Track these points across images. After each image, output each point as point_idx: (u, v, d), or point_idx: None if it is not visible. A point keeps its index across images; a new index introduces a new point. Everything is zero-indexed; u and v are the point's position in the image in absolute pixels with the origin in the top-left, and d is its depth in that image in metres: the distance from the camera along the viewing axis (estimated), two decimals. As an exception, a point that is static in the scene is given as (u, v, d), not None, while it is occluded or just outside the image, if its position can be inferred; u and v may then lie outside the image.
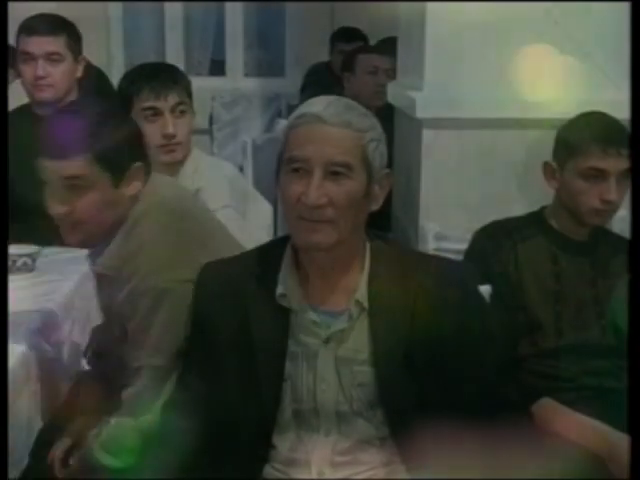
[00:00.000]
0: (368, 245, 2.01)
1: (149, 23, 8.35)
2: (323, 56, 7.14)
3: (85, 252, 3.13)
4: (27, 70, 3.52)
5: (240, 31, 8.28)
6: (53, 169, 2.17)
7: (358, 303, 1.95)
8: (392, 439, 1.97)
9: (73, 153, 2.15)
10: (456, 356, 1.96)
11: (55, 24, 3.57)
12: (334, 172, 1.86)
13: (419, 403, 1.95)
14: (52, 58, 3.52)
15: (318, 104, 1.92)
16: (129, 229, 2.24)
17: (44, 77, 3.50)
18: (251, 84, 7.67)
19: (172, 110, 2.91)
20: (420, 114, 3.05)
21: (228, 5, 8.18)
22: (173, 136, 2.90)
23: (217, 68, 8.13)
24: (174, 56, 8.15)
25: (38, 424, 2.42)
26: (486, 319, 2.06)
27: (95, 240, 2.30)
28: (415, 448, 1.92)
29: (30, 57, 3.50)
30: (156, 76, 2.96)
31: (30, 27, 3.53)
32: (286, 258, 2.01)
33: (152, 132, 2.86)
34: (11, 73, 6.09)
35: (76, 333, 2.87)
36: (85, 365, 2.81)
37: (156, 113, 2.91)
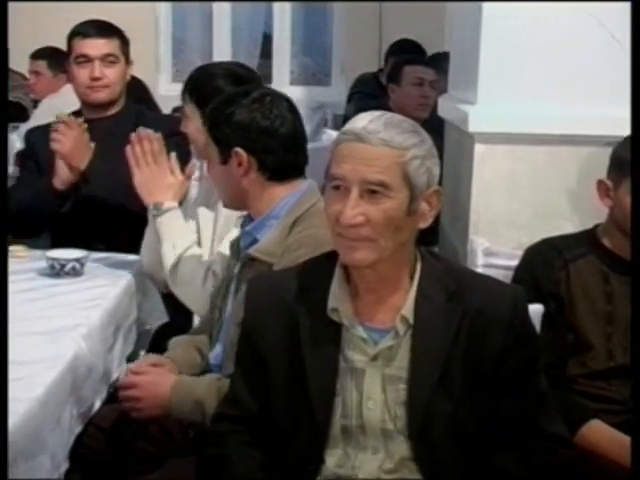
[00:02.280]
0: (419, 262, 1.98)
1: (197, 31, 8.41)
2: (370, 66, 7.14)
3: (131, 257, 3.18)
4: (82, 72, 3.55)
5: (287, 39, 8.32)
6: None
7: (404, 319, 1.93)
8: (415, 462, 1.95)
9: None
10: (496, 382, 1.93)
11: (108, 28, 3.62)
12: (371, 191, 1.85)
13: (449, 429, 1.92)
14: (108, 60, 3.55)
15: (361, 121, 1.91)
16: (290, 224, 2.37)
17: (100, 78, 3.54)
18: (296, 92, 7.67)
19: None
20: (472, 128, 3.02)
21: (276, 13, 8.23)
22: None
23: (263, 76, 8.15)
24: (221, 63, 8.18)
25: (79, 428, 2.41)
26: (532, 347, 2.01)
27: (232, 206, 2.58)
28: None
29: (86, 59, 3.53)
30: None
31: (84, 31, 3.57)
32: (337, 272, 1.99)
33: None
34: (60, 78, 6.17)
35: (121, 340, 2.87)
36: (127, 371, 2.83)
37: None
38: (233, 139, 2.42)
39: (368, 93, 6.34)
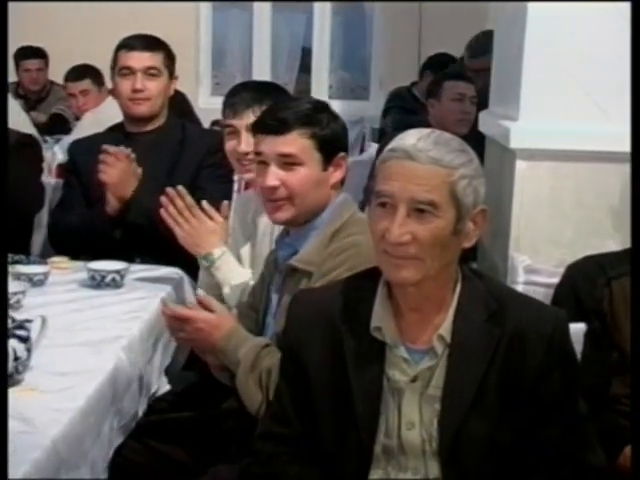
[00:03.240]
0: (460, 281, 1.97)
1: (236, 45, 8.46)
2: (408, 80, 7.14)
3: (171, 270, 3.19)
4: (125, 84, 3.58)
5: (326, 53, 8.34)
6: (270, 145, 2.38)
7: (441, 339, 1.92)
8: None
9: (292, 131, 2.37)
10: (533, 405, 1.91)
11: (153, 42, 3.66)
12: (419, 209, 1.84)
13: (481, 451, 1.90)
14: (150, 73, 3.58)
15: (410, 138, 1.89)
16: (330, 234, 2.39)
17: (142, 90, 3.56)
18: (334, 106, 7.65)
19: (247, 129, 2.93)
20: (514, 144, 3.01)
21: (315, 27, 8.25)
22: (247, 154, 2.91)
23: (302, 90, 8.18)
24: (261, 77, 8.23)
25: (119, 440, 2.42)
26: (571, 370, 1.99)
27: (299, 219, 2.46)
28: None
29: (130, 71, 3.57)
30: (238, 94, 2.99)
31: (130, 44, 3.62)
32: (380, 290, 1.98)
33: (231, 149, 2.97)
34: (102, 90, 6.22)
35: (159, 351, 2.88)
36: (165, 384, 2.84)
37: (234, 131, 2.96)
38: (340, 144, 2.45)
39: (404, 107, 6.33)
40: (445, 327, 1.93)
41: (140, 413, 2.60)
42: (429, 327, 1.95)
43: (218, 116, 5.33)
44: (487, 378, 1.90)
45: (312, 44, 8.37)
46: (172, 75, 3.68)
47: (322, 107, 2.47)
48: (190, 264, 3.22)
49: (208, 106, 6.74)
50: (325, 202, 2.46)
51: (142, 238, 3.40)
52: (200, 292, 2.58)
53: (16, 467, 1.77)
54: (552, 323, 1.96)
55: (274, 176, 2.40)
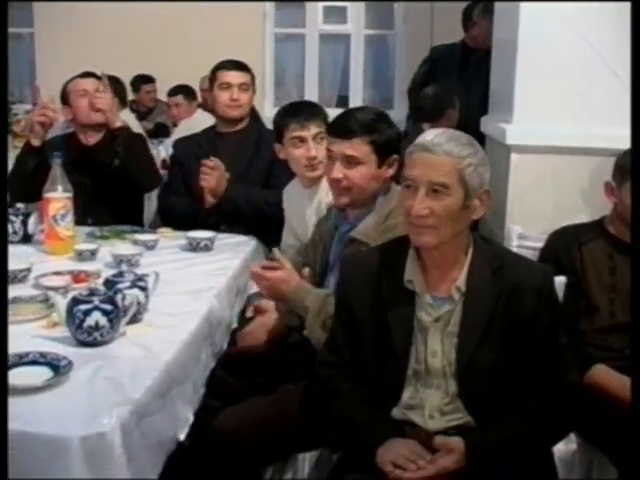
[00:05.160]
0: (472, 245, 1.97)
1: (292, 66, 8.44)
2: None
3: (248, 238, 3.21)
4: (224, 95, 3.62)
5: (360, 74, 8.31)
6: (338, 147, 2.39)
7: (458, 289, 1.93)
8: (460, 398, 1.94)
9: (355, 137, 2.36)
10: (528, 338, 1.91)
11: (244, 65, 3.72)
12: (435, 190, 1.85)
13: (488, 373, 1.90)
14: (242, 87, 3.63)
15: (429, 136, 1.90)
16: (386, 214, 2.38)
17: (237, 100, 3.61)
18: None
19: (313, 137, 2.92)
20: (509, 141, 3.00)
21: (352, 56, 8.23)
22: (315, 157, 2.91)
23: (342, 102, 8.16)
24: (311, 92, 8.23)
25: (212, 364, 2.42)
26: (556, 311, 1.99)
27: (358, 205, 2.44)
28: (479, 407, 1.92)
29: (228, 86, 3.61)
30: (300, 112, 2.99)
31: (227, 66, 3.67)
32: (410, 252, 1.99)
33: (299, 155, 2.93)
34: (193, 104, 6.27)
35: (239, 300, 2.89)
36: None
37: (301, 140, 2.93)
38: (393, 147, 2.43)
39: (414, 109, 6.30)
40: (461, 280, 1.93)
41: (225, 345, 2.62)
42: (448, 280, 1.95)
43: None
44: (492, 319, 1.90)
45: (349, 68, 8.34)
46: (254, 90, 3.73)
47: (382, 117, 2.45)
48: (261, 234, 3.33)
49: (271, 115, 6.74)
50: (379, 191, 2.45)
51: (229, 220, 3.45)
52: (275, 251, 2.57)
53: (140, 383, 1.82)
54: (542, 277, 1.96)
55: (339, 171, 2.40)
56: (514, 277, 1.92)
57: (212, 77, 3.70)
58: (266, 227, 3.32)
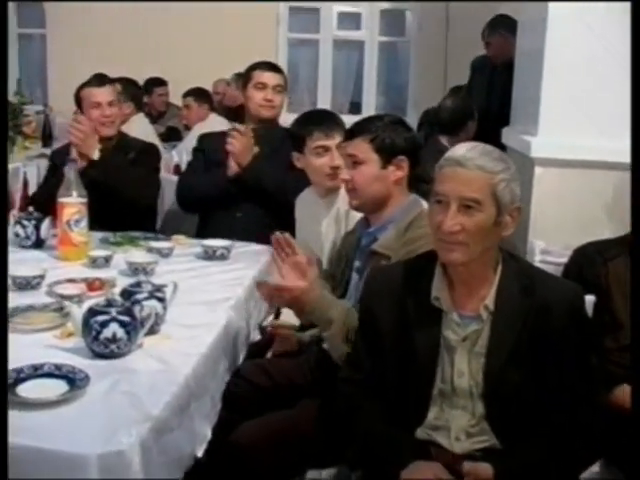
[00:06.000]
0: (500, 262, 1.93)
1: (306, 71, 8.42)
2: (436, 101, 7.06)
3: (264, 247, 3.16)
4: (258, 95, 3.62)
5: (373, 80, 8.28)
6: (344, 149, 2.47)
7: (486, 308, 1.88)
8: (487, 420, 1.89)
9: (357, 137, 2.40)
10: (557, 358, 1.86)
11: (278, 67, 3.76)
12: (466, 206, 1.81)
13: (516, 394, 1.85)
14: (277, 89, 3.64)
15: (460, 150, 1.86)
16: (406, 226, 2.35)
17: (271, 100, 3.62)
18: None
19: (337, 147, 2.88)
20: (534, 154, 2.96)
21: (366, 62, 8.21)
22: (338, 167, 2.87)
23: (355, 108, 8.14)
24: (323, 98, 8.21)
25: (227, 377, 2.38)
26: (586, 331, 1.94)
27: (366, 208, 2.46)
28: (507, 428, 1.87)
29: (263, 86, 3.62)
30: (323, 120, 2.96)
31: (262, 66, 3.69)
32: (437, 269, 1.94)
33: (322, 164, 2.89)
34: (203, 107, 6.22)
35: (255, 310, 2.83)
36: (257, 335, 2.81)
37: (326, 149, 2.89)
38: (399, 149, 2.40)
39: (432, 122, 6.30)
40: (489, 298, 1.88)
41: (242, 357, 2.57)
42: (475, 298, 1.90)
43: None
44: (521, 338, 1.86)
45: (362, 74, 8.31)
46: (287, 91, 3.75)
47: (388, 119, 2.46)
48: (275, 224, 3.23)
49: (282, 119, 6.71)
50: (388, 194, 2.42)
51: (250, 195, 3.45)
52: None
53: (158, 398, 1.77)
54: (572, 296, 1.91)
55: (345, 172, 2.46)
56: (544, 296, 1.88)
57: (247, 77, 3.70)
58: (282, 213, 3.27)
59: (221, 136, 3.69)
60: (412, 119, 7.50)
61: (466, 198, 1.81)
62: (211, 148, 3.68)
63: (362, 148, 2.41)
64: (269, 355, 2.72)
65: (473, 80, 5.52)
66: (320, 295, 2.33)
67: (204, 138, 3.84)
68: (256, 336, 2.79)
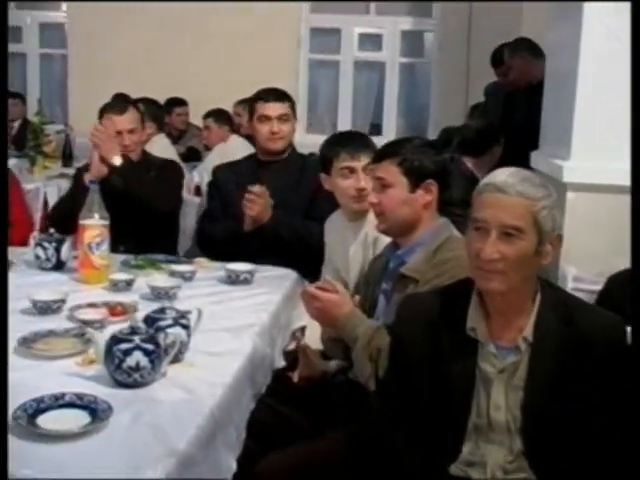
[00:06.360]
0: (539, 291, 1.86)
1: (325, 95, 8.41)
2: (457, 122, 7.05)
3: (288, 271, 3.10)
4: (263, 128, 3.50)
5: (394, 102, 8.25)
6: (372, 172, 2.46)
7: (525, 340, 1.81)
8: (525, 456, 1.81)
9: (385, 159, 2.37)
10: (598, 393, 1.79)
11: (283, 94, 3.58)
12: (507, 233, 1.75)
13: (556, 430, 1.78)
14: (282, 119, 3.50)
15: (500, 175, 1.80)
16: (434, 249, 2.31)
17: (277, 132, 3.49)
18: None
19: (363, 168, 2.83)
20: (567, 179, 2.89)
21: (387, 83, 8.19)
22: (364, 189, 2.81)
23: (375, 130, 8.09)
24: (344, 119, 8.18)
25: (252, 405, 2.28)
26: (629, 366, 1.84)
27: (394, 232, 2.42)
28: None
29: (267, 118, 3.49)
30: (350, 142, 2.91)
31: (265, 97, 3.53)
32: (474, 298, 1.87)
33: (348, 186, 2.84)
34: (224, 129, 6.20)
35: (280, 336, 2.76)
36: (282, 361, 2.74)
37: (351, 171, 2.84)
38: (428, 172, 2.35)
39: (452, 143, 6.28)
40: (528, 329, 1.82)
41: (265, 385, 2.48)
42: (513, 328, 1.84)
43: (310, 149, 5.31)
44: (561, 371, 1.78)
45: (383, 95, 8.28)
46: (295, 118, 3.62)
47: (417, 142, 2.43)
48: (297, 266, 3.20)
49: (303, 141, 6.69)
50: (416, 218, 2.38)
51: (268, 246, 3.32)
52: (328, 277, 2.49)
53: (184, 430, 1.71)
54: (614, 327, 1.84)
55: (373, 195, 2.43)
56: (584, 327, 1.81)
57: (251, 109, 3.59)
58: (304, 259, 3.21)
59: (235, 166, 3.66)
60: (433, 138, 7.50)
61: (507, 225, 1.75)
62: (226, 180, 3.59)
63: (390, 171, 2.37)
64: (294, 378, 2.65)
65: (487, 105, 5.51)
66: (352, 310, 2.30)
67: (218, 171, 3.73)
68: (280, 362, 2.72)
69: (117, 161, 3.34)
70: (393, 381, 1.96)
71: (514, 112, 4.83)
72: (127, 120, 3.58)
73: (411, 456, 1.88)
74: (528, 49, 5.01)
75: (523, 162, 3.48)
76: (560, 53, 3.22)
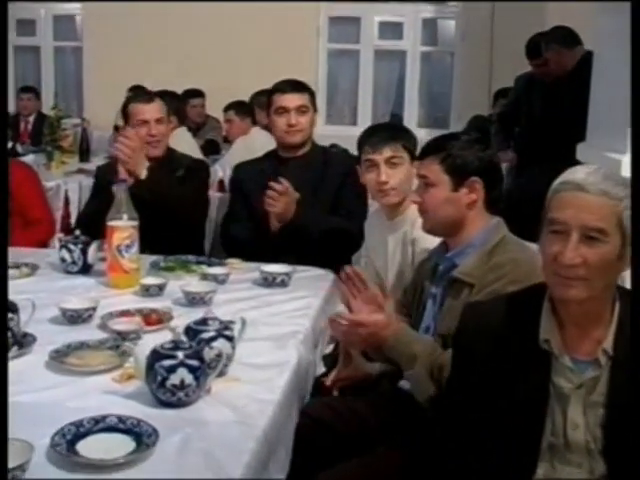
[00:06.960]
0: (618, 300, 1.70)
1: (345, 86, 8.26)
2: (480, 111, 6.94)
3: (326, 271, 2.95)
4: (281, 120, 3.33)
5: (415, 91, 8.10)
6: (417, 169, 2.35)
7: (605, 352, 1.65)
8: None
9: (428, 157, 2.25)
10: None
11: (301, 85, 3.41)
12: (589, 236, 1.59)
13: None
14: (301, 110, 3.33)
15: (579, 173, 1.64)
16: (489, 251, 2.18)
17: (295, 125, 3.32)
18: (422, 134, 7.44)
19: (386, 161, 2.69)
20: (625, 173, 2.71)
21: (408, 72, 8.04)
22: (385, 183, 2.69)
23: (395, 119, 7.92)
24: (364, 109, 8.03)
25: (297, 419, 2.13)
26: None
27: (439, 231, 2.31)
28: None
29: (284, 110, 3.32)
30: (376, 134, 2.78)
31: (282, 88, 3.37)
32: (546, 306, 1.71)
33: (370, 179, 2.76)
34: (245, 121, 6.06)
35: (320, 341, 2.61)
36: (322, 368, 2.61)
37: (373, 164, 2.73)
38: (472, 169, 2.21)
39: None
40: (608, 341, 1.66)
41: (309, 394, 2.34)
42: (590, 340, 1.68)
43: (330, 140, 5.15)
44: None
45: (404, 85, 8.12)
46: (315, 109, 3.45)
47: (462, 137, 2.30)
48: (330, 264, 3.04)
49: (322, 132, 6.56)
50: (462, 218, 2.24)
51: (295, 246, 3.16)
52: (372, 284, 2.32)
53: (237, 457, 1.57)
54: None
55: (414, 194, 2.32)
56: None
57: (268, 101, 3.43)
58: (334, 258, 3.06)
59: (255, 164, 3.51)
60: (456, 129, 7.34)
61: (590, 227, 1.60)
62: (249, 181, 3.42)
63: (432, 169, 2.24)
64: (327, 382, 2.52)
65: (520, 97, 5.40)
66: (401, 328, 2.14)
67: (240, 169, 3.58)
68: (321, 368, 2.58)
69: (144, 175, 3.18)
70: (457, 397, 1.81)
71: (555, 104, 4.71)
72: (154, 109, 3.42)
73: (479, 478, 1.73)
74: (559, 40, 4.91)
75: (568, 154, 3.33)
76: (610, 41, 3.05)
